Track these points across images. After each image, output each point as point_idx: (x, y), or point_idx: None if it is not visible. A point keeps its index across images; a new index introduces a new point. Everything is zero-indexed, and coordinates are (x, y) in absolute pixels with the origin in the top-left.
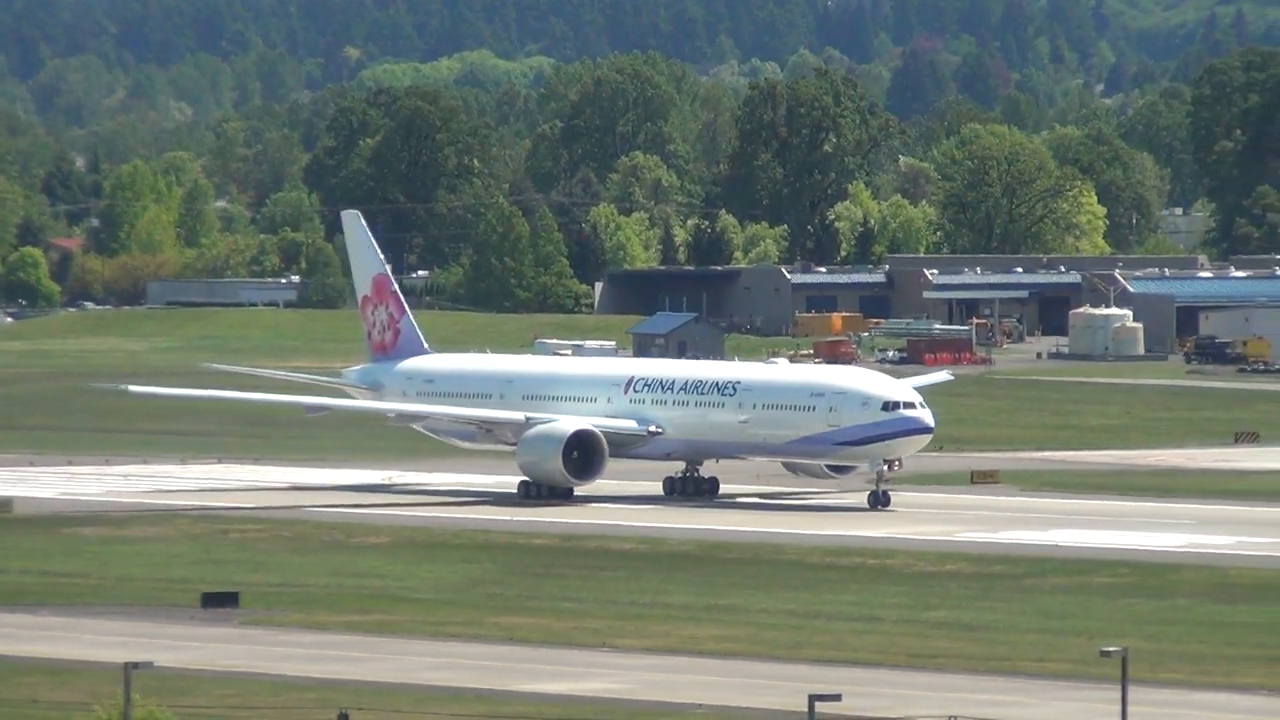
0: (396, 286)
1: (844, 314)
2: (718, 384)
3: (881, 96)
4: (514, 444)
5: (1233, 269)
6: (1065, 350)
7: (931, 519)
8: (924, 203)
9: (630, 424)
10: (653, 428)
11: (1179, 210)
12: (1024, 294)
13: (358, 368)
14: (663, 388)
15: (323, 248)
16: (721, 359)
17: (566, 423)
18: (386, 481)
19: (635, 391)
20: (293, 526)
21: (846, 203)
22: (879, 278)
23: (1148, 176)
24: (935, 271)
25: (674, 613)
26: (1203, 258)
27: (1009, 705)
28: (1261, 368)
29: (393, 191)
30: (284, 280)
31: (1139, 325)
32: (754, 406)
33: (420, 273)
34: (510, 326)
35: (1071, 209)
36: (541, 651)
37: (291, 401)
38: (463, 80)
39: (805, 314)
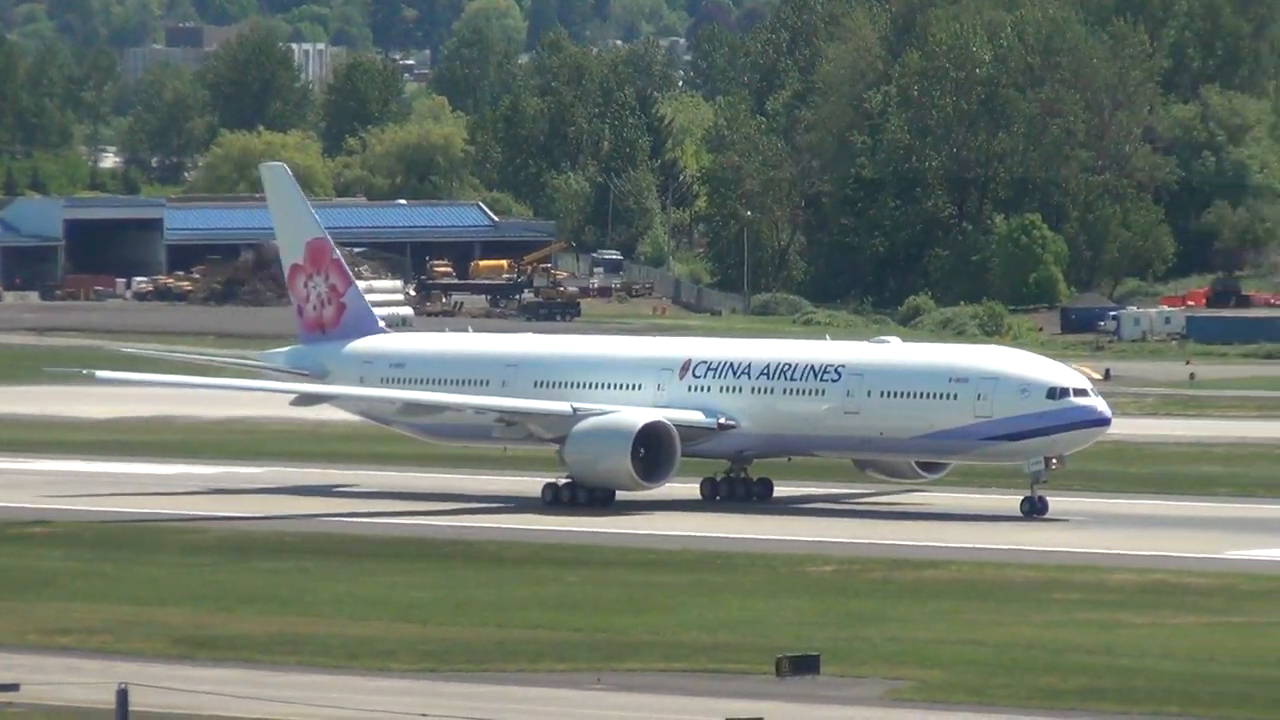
0: (339, 253)
1: None
2: (814, 368)
3: None
4: (551, 440)
5: None
6: None
7: None
8: None
9: (695, 415)
10: (723, 419)
11: None
12: None
13: (285, 349)
14: (734, 372)
15: None
16: None
17: (631, 414)
18: None
19: (695, 376)
20: None
21: None
22: None
23: None
24: None
25: None
26: None
27: None
28: None
29: None
30: None
31: None
32: (868, 394)
33: None
34: None
35: None
36: None
37: (276, 388)
38: None
39: None
